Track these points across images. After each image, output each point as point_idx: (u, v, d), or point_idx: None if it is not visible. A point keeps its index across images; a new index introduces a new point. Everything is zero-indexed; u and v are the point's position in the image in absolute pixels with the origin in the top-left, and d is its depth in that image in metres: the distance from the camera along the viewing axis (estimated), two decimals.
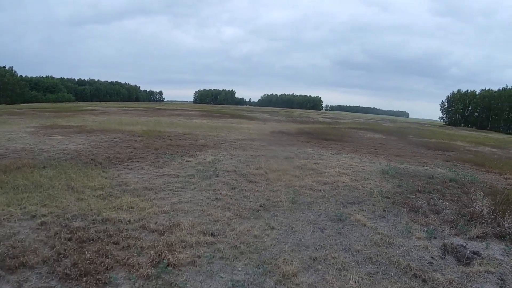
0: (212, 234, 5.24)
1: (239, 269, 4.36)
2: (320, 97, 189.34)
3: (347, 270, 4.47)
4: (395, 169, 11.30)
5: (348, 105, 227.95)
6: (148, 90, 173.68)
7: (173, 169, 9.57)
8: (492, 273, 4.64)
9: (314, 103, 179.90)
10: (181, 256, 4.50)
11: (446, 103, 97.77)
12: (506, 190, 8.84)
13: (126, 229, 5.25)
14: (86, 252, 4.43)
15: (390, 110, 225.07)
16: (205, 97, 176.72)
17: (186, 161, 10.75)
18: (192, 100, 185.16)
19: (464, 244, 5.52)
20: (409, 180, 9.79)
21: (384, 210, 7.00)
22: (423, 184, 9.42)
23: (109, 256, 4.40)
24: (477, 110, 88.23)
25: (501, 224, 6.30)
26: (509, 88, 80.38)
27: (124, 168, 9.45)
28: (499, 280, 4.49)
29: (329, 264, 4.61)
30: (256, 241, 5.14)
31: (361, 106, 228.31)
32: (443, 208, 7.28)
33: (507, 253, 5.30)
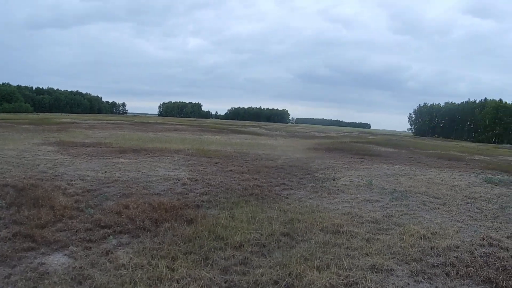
0: None
1: None
2: (287, 110, 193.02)
3: None
4: (490, 179, 12.72)
5: (312, 117, 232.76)
6: (110, 102, 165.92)
7: (348, 194, 9.29)
8: None
9: (281, 116, 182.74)
10: None
11: (414, 115, 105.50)
12: None
13: None
14: None
15: (353, 122, 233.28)
16: (171, 110, 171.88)
17: (342, 184, 10.51)
18: (156, 113, 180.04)
19: None
20: None
21: None
22: None
23: None
24: (443, 121, 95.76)
25: None
26: (471, 101, 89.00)
27: (309, 198, 8.67)
28: None
29: None
30: None
31: (325, 118, 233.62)
32: None
33: None
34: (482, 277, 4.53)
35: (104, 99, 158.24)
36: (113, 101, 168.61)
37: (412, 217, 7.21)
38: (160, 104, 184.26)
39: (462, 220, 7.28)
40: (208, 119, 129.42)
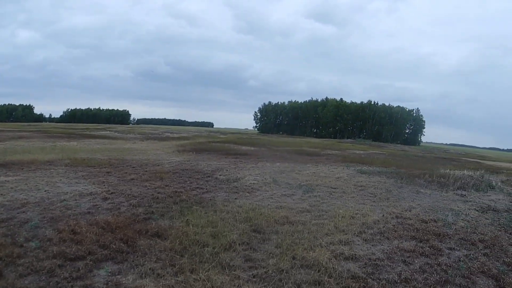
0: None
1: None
2: (128, 111, 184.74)
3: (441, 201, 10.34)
4: (360, 170, 15.97)
5: (154, 117, 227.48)
6: None
7: (264, 191, 10.57)
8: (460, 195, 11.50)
9: (122, 117, 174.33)
10: None
11: (259, 114, 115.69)
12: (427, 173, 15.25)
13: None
14: None
15: (196, 121, 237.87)
16: None
17: (251, 183, 11.70)
18: None
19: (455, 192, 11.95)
20: (385, 175, 14.73)
21: (420, 187, 12.39)
22: (392, 175, 14.75)
23: None
24: (287, 119, 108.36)
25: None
26: (313, 100, 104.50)
27: (235, 198, 9.52)
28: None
29: (442, 206, 9.70)
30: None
31: (167, 118, 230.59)
32: (430, 183, 13.24)
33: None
34: (409, 236, 6.81)
35: None
36: None
37: (330, 204, 9.14)
38: None
39: (366, 203, 9.59)
40: (44, 123, 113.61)
